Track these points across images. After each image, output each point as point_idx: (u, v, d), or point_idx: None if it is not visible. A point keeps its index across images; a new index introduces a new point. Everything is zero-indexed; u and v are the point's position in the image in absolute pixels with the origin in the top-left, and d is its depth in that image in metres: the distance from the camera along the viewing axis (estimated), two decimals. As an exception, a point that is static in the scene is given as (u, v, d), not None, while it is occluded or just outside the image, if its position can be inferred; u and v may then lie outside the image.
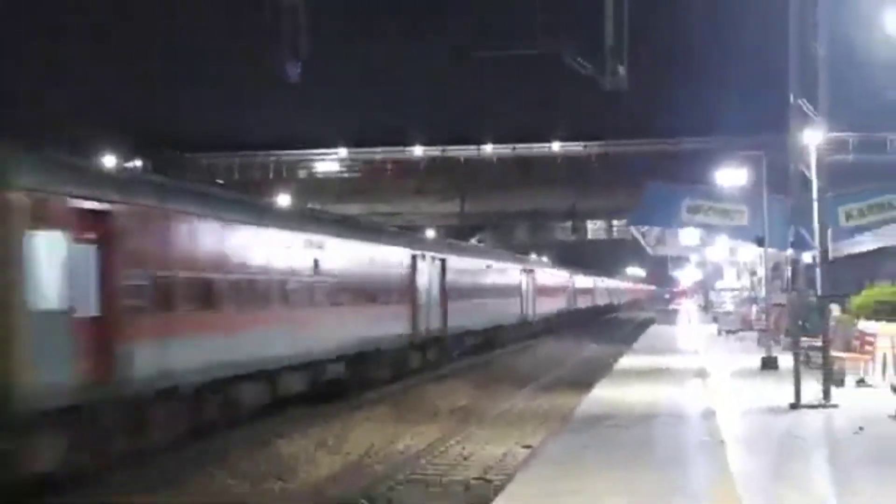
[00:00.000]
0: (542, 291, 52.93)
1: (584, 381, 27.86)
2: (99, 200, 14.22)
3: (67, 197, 13.17)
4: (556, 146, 57.84)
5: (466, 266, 37.34)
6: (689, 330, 54.02)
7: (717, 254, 49.37)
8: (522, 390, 29.26)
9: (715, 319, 53.28)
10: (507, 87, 63.86)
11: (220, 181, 45.07)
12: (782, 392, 18.87)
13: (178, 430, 16.88)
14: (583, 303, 73.31)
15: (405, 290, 28.14)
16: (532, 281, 49.48)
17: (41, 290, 12.74)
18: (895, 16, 12.72)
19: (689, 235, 38.30)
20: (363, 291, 24.74)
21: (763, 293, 35.71)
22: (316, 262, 21.89)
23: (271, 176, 53.46)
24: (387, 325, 26.04)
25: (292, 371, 20.55)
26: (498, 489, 12.90)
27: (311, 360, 21.33)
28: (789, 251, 22.13)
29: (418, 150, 58.27)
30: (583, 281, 75.02)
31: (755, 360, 27.17)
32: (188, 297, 16.47)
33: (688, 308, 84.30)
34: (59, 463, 12.95)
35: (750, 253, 37.24)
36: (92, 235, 14.21)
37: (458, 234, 54.37)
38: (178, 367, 16.13)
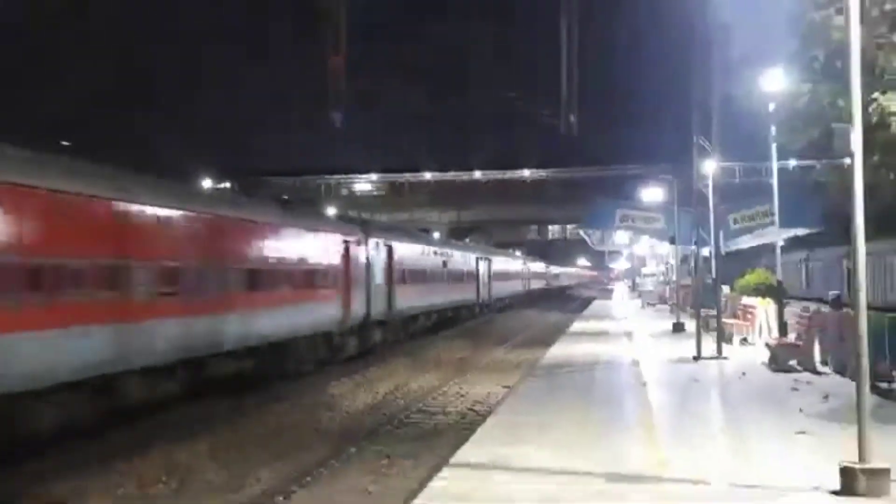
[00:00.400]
0: (500, 276, 52.95)
1: (546, 340, 29.33)
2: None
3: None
4: (526, 172, 63.68)
5: (415, 253, 33.48)
6: (621, 304, 56.14)
7: (641, 249, 50.81)
8: (501, 347, 31.22)
9: (640, 296, 55.58)
10: (491, 129, 70.50)
11: (285, 196, 51.45)
12: (687, 348, 20.19)
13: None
14: (538, 285, 76.83)
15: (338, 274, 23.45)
16: (489, 267, 49.13)
17: None
18: (765, 82, 14.79)
19: (621, 236, 39.11)
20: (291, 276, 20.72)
21: (674, 277, 36.49)
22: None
23: (322, 193, 60.49)
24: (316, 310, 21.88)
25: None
26: (485, 416, 13.99)
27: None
28: (693, 247, 24.12)
29: (427, 175, 64.47)
30: (539, 267, 78.68)
31: (668, 325, 28.85)
32: None
33: (620, 289, 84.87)
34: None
35: (665, 248, 38.04)
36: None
37: (455, 235, 59.70)
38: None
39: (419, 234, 44.44)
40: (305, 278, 21.73)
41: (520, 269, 66.03)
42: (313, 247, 22.73)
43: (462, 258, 43.79)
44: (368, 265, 26.36)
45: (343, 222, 28.52)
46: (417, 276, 33.13)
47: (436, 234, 54.78)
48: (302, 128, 62.65)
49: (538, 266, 79.17)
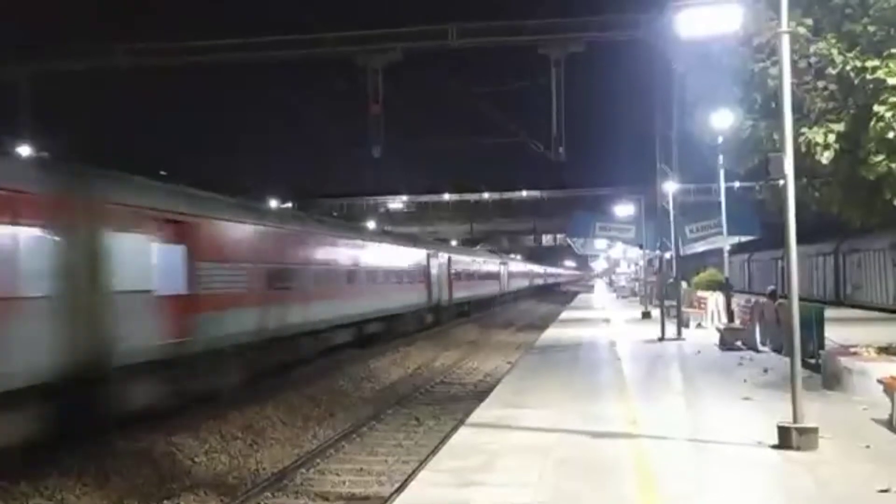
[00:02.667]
0: (513, 276, 57.86)
1: (541, 325, 29.73)
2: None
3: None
4: (524, 193, 63.86)
5: (462, 260, 38.26)
6: (600, 297, 56.16)
7: (616, 253, 49.48)
8: (506, 330, 31.98)
9: (615, 290, 55.80)
10: (499, 160, 71.20)
11: (335, 213, 53.87)
12: (654, 331, 20.07)
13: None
14: (539, 282, 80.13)
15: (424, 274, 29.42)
16: (507, 269, 54.05)
17: None
18: (715, 119, 14.82)
19: (600, 243, 38.22)
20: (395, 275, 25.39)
21: (643, 275, 37.15)
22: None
23: (365, 211, 61.83)
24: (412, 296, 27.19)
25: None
26: (494, 384, 14.03)
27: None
28: (657, 251, 23.90)
29: (447, 196, 65.30)
30: (538, 269, 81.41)
31: (638, 313, 28.91)
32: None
33: (600, 285, 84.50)
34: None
35: (635, 252, 37.52)
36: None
37: (469, 244, 60.35)
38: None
39: (465, 248, 50.07)
40: (410, 276, 27.68)
41: (526, 271, 70.25)
42: (414, 258, 28.73)
43: (492, 263, 49.00)
44: (438, 270, 31.78)
45: (424, 241, 34.27)
46: (465, 276, 38.36)
47: (452, 243, 55.27)
48: (348, 159, 64.81)
49: (538, 268, 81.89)
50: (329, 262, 19.88)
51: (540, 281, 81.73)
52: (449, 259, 34.07)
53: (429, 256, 30.32)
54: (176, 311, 11.69)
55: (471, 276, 40.00)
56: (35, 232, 9.20)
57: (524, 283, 66.03)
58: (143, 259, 11.13)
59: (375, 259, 23.68)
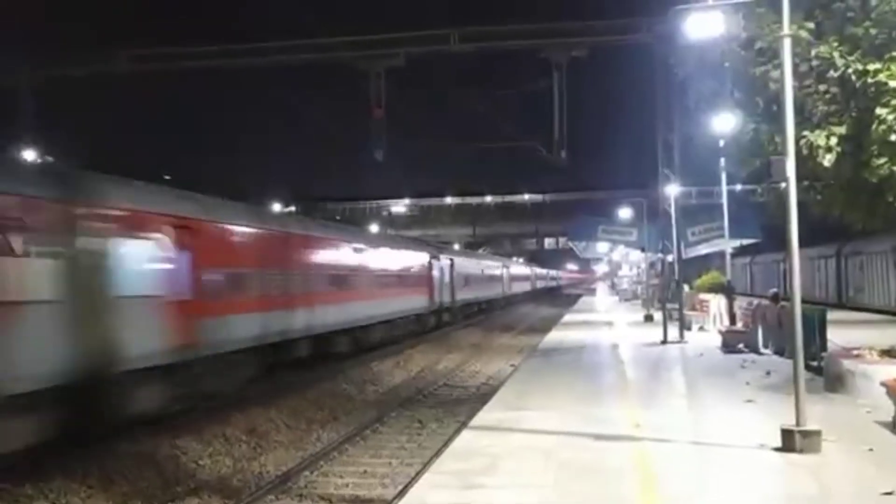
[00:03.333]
0: (515, 279, 58.22)
1: (543, 328, 29.47)
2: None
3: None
4: (526, 196, 63.66)
5: (466, 263, 38.16)
6: (602, 299, 55.69)
7: (618, 256, 50.41)
8: (508, 333, 31.50)
9: (617, 293, 54.91)
10: (501, 164, 71.07)
11: (338, 217, 53.91)
12: (656, 334, 19.85)
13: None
14: (541, 284, 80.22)
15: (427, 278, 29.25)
16: (509, 272, 54.69)
17: None
18: (717, 123, 14.83)
19: (602, 246, 38.86)
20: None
21: (644, 278, 36.72)
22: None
23: (367, 214, 61.65)
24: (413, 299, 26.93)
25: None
26: (497, 387, 13.96)
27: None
28: (659, 254, 24.15)
29: (449, 199, 65.18)
30: (540, 272, 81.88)
31: (640, 316, 28.36)
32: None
33: (602, 287, 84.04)
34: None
35: (637, 255, 38.07)
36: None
37: (471, 246, 60.32)
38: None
39: (469, 251, 49.96)
40: (414, 280, 27.60)
41: (528, 274, 70.98)
42: (416, 261, 28.37)
43: (495, 267, 49.06)
44: (441, 272, 31.14)
45: (426, 244, 33.04)
46: (467, 279, 37.75)
47: (455, 246, 55.30)
48: (350, 162, 64.72)
49: (540, 271, 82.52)
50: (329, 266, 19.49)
51: (542, 284, 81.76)
52: (452, 262, 33.94)
53: (431, 259, 30.25)
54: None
55: (474, 279, 39.97)
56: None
57: (526, 286, 65.91)
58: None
59: (374, 262, 23.28)
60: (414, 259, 28.19)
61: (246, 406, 13.35)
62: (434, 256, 30.54)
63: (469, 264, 39.28)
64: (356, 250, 21.58)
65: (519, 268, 64.12)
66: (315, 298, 17.56)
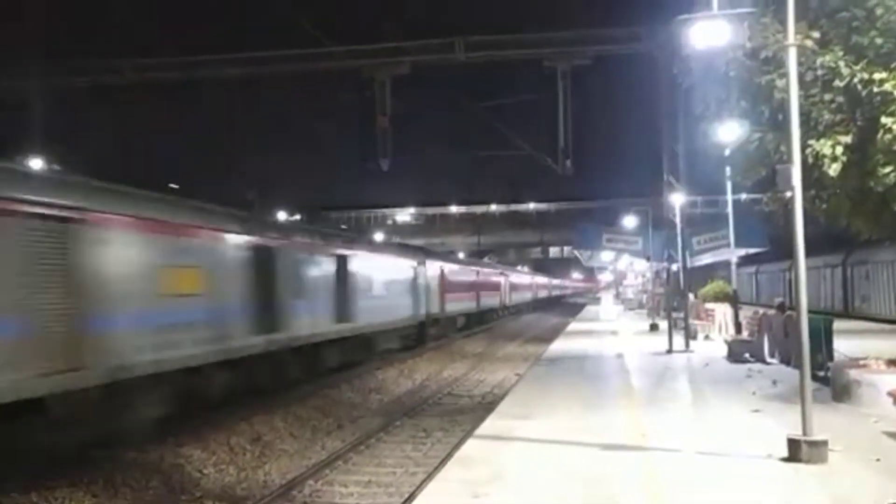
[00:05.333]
0: (516, 288, 56.51)
1: (548, 338, 29.08)
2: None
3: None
4: (531, 205, 64.07)
5: (457, 270, 35.57)
6: (607, 309, 54.61)
7: (622, 265, 49.50)
8: (513, 342, 31.21)
9: (622, 302, 53.90)
10: (506, 171, 71.21)
11: (344, 226, 54.03)
12: (661, 343, 19.86)
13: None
14: (545, 293, 78.72)
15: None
16: (509, 280, 53.10)
17: None
18: (722, 132, 14.64)
19: (607, 255, 38.45)
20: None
21: (650, 287, 36.61)
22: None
23: (371, 223, 61.69)
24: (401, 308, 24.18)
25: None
26: (502, 397, 13.97)
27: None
28: (665, 263, 23.45)
29: (454, 208, 65.37)
30: (543, 280, 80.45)
31: (645, 325, 28.22)
32: None
33: (607, 297, 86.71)
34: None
35: (642, 264, 37.17)
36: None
37: (476, 255, 60.10)
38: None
39: (461, 258, 47.00)
40: (398, 288, 24.30)
41: (531, 283, 69.63)
42: (395, 266, 24.68)
43: (492, 273, 46.81)
44: (427, 280, 28.01)
45: (412, 250, 29.50)
46: (459, 286, 34.92)
47: (460, 255, 55.20)
48: (354, 171, 64.90)
49: (544, 279, 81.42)
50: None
51: (545, 293, 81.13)
52: (442, 270, 31.07)
53: (415, 266, 26.73)
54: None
55: (467, 286, 37.36)
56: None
57: (527, 295, 64.53)
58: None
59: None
60: (392, 264, 24.26)
61: (250, 414, 13.35)
62: (420, 263, 27.46)
63: (462, 272, 36.96)
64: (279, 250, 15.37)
65: (520, 276, 62.86)
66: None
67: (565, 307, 75.35)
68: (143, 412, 10.68)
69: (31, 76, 27.30)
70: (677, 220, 20.31)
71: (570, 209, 59.55)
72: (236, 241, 13.67)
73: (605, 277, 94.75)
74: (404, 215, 65.74)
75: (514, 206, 64.80)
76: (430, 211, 65.39)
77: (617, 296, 71.78)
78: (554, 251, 71.17)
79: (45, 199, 9.13)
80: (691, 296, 25.07)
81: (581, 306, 68.44)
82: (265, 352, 14.21)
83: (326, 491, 9.95)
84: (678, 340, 19.45)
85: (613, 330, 29.16)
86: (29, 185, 9.26)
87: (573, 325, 34.68)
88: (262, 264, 14.32)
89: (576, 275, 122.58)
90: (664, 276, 26.28)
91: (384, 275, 22.57)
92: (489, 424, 10.07)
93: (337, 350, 18.53)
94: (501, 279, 49.66)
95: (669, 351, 18.89)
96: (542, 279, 79.47)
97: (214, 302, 12.55)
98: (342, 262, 18.89)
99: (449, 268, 32.88)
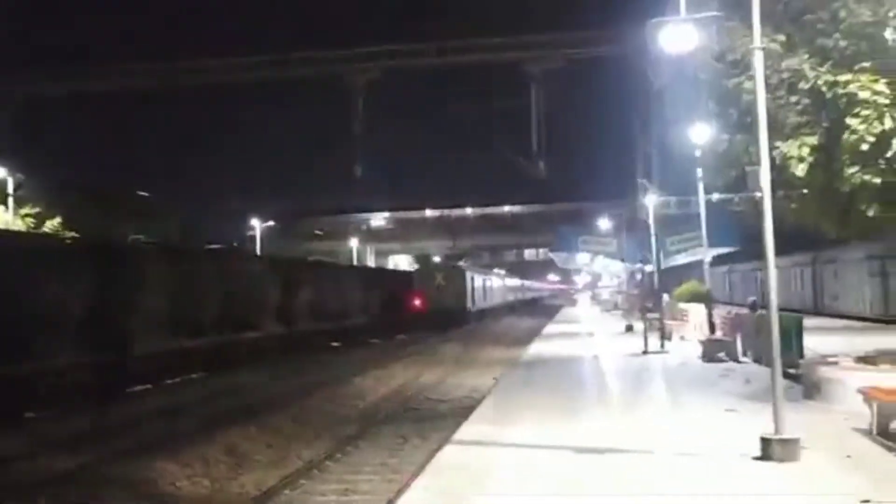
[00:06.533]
0: (485, 291, 58.95)
1: (524, 340, 29.13)
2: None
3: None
4: (506, 208, 63.80)
5: (481, 277, 45.58)
6: (584, 310, 55.93)
7: (598, 267, 51.72)
8: (489, 346, 30.72)
9: (598, 304, 55.69)
10: (481, 175, 71.62)
11: (319, 232, 53.45)
12: (637, 344, 20.01)
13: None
14: (518, 296, 76.26)
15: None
16: (505, 283, 56.06)
17: None
18: (693, 134, 14.81)
19: (582, 257, 37.53)
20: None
21: (625, 288, 37.85)
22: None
23: (347, 229, 61.14)
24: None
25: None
26: (479, 401, 13.78)
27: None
28: (639, 264, 24.36)
29: (429, 212, 65.39)
30: (515, 283, 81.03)
31: (621, 327, 28.52)
32: None
33: (583, 298, 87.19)
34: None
35: (617, 266, 36.98)
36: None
37: (451, 259, 60.39)
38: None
39: (481, 268, 55.05)
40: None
41: (503, 285, 69.21)
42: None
43: (504, 282, 56.74)
44: None
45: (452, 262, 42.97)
46: (481, 289, 45.34)
47: (436, 258, 55.40)
48: (331, 178, 64.37)
49: (517, 282, 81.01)
50: None
51: (520, 295, 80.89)
52: (472, 276, 38.95)
53: None
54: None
55: (486, 291, 44.43)
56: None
57: (498, 298, 64.13)
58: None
59: None
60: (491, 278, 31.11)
61: (225, 425, 13.17)
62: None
63: (482, 277, 43.16)
64: None
65: (491, 278, 62.30)
66: None
67: (542, 309, 75.51)
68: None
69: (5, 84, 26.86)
70: (650, 221, 20.47)
71: (546, 212, 59.73)
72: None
73: (581, 279, 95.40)
74: (379, 220, 65.46)
75: (489, 209, 64.92)
76: (405, 215, 65.15)
77: (593, 297, 72.27)
78: (529, 253, 71.32)
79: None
80: (666, 296, 25.57)
81: (558, 308, 68.83)
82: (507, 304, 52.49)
83: (303, 500, 9.83)
84: (653, 341, 19.61)
85: (590, 331, 29.21)
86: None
87: (550, 328, 34.72)
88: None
89: (552, 277, 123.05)
90: (639, 277, 26.25)
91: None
92: (466, 430, 10.10)
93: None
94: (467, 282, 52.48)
95: (645, 352, 19.01)
96: (514, 281, 79.18)
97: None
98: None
99: (472, 275, 43.85)
